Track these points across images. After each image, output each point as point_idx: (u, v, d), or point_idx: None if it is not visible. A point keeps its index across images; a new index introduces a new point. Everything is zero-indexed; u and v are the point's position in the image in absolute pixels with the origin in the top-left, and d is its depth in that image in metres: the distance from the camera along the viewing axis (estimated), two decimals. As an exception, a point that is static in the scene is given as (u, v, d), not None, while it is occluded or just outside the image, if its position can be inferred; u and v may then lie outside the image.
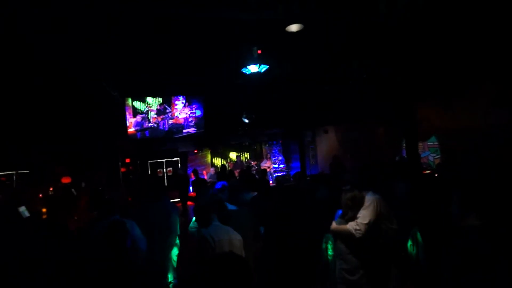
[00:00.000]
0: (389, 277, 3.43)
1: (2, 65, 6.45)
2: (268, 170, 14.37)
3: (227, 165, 15.93)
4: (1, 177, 10.82)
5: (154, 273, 4.05)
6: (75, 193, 8.56)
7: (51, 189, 9.11)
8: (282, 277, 4.38)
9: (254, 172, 14.37)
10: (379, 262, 3.32)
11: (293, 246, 4.50)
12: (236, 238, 3.19)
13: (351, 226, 3.29)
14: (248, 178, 6.52)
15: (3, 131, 9.09)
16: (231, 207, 4.15)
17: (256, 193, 4.91)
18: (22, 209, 5.69)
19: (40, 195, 7.99)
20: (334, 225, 3.49)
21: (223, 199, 4.00)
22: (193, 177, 10.91)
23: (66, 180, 9.49)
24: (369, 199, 3.44)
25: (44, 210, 6.63)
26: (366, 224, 3.26)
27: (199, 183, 9.64)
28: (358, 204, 3.39)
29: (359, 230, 3.24)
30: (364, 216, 3.31)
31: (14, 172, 10.97)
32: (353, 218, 3.36)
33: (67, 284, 3.40)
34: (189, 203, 11.08)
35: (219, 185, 4.70)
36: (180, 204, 10.58)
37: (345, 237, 3.35)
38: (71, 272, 3.46)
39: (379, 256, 3.33)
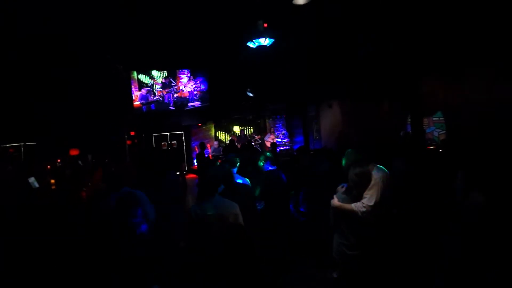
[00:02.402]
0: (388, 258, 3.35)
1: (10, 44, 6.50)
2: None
3: (230, 138, 16.02)
4: (9, 148, 10.99)
5: (162, 242, 4.19)
6: (81, 164, 8.70)
7: (58, 161, 9.26)
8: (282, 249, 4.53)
9: (257, 146, 14.46)
10: (378, 242, 3.24)
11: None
12: (230, 212, 3.17)
13: (357, 207, 3.18)
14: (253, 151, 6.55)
15: (10, 104, 9.18)
16: (243, 180, 4.23)
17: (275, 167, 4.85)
18: (32, 180, 5.82)
19: (48, 166, 8.12)
20: (336, 201, 3.37)
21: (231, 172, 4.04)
22: (197, 151, 10.98)
23: (74, 152, 9.62)
24: (376, 177, 3.30)
25: (52, 181, 6.75)
26: (372, 206, 3.15)
27: (201, 156, 9.64)
28: (365, 181, 3.25)
29: (365, 212, 3.14)
30: (371, 197, 3.19)
31: (22, 144, 11.12)
32: (358, 196, 3.24)
33: (80, 253, 3.53)
34: (191, 175, 11.22)
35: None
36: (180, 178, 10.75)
37: (347, 215, 3.27)
38: (82, 242, 3.58)
39: (379, 236, 3.25)
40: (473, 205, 2.66)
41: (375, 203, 3.18)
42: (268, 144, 14.37)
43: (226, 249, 2.08)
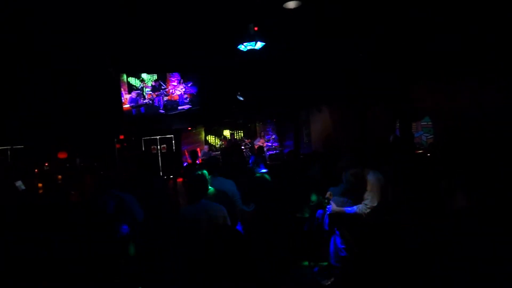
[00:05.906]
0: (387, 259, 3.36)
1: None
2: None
3: (221, 142, 15.98)
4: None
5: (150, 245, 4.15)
6: (69, 167, 8.63)
7: (46, 164, 9.15)
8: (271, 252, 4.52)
9: (247, 150, 14.44)
10: (374, 243, 3.28)
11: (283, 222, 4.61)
12: (218, 214, 3.19)
13: (360, 209, 3.29)
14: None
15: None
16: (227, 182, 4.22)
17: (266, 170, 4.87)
18: (19, 183, 5.75)
19: (36, 170, 8.03)
20: (335, 206, 3.45)
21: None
22: (187, 155, 10.88)
23: (62, 155, 9.51)
24: (373, 179, 3.38)
25: (40, 185, 6.67)
26: (376, 206, 3.26)
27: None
28: (361, 182, 3.35)
29: (370, 213, 3.26)
30: (373, 198, 3.29)
31: (9, 147, 10.94)
32: (357, 196, 3.35)
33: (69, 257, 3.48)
34: (181, 179, 11.16)
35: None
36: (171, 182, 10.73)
37: (346, 219, 3.35)
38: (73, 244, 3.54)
39: (375, 237, 3.29)
40: (457, 210, 2.70)
41: (379, 203, 3.27)
42: (258, 148, 14.36)
43: (224, 250, 2.08)
